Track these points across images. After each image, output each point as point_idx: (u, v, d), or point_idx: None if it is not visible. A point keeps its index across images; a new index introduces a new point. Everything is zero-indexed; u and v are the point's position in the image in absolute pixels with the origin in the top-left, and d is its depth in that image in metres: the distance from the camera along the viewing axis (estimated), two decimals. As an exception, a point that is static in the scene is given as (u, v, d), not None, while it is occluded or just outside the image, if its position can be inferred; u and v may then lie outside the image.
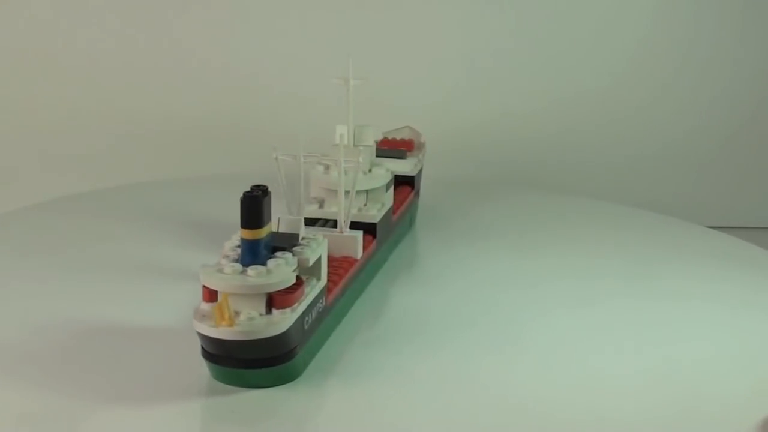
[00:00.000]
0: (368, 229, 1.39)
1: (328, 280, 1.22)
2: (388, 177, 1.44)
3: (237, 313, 1.09)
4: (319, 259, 1.17)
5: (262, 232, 1.09)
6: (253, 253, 1.10)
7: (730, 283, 1.45)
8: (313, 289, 1.15)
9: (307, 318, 1.14)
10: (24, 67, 2.10)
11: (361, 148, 1.42)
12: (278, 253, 1.12)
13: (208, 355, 1.12)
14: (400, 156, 1.58)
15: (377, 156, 1.54)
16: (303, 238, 1.17)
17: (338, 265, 1.28)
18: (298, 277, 1.13)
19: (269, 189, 1.11)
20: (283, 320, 1.09)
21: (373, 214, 1.40)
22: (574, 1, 2.15)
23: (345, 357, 1.20)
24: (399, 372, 1.18)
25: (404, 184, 1.57)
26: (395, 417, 1.10)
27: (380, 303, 1.36)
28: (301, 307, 1.12)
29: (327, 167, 1.41)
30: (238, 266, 1.10)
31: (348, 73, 1.43)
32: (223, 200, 1.55)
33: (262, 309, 1.10)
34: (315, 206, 1.38)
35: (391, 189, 1.46)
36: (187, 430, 1.08)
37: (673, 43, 2.16)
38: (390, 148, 1.61)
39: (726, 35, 2.15)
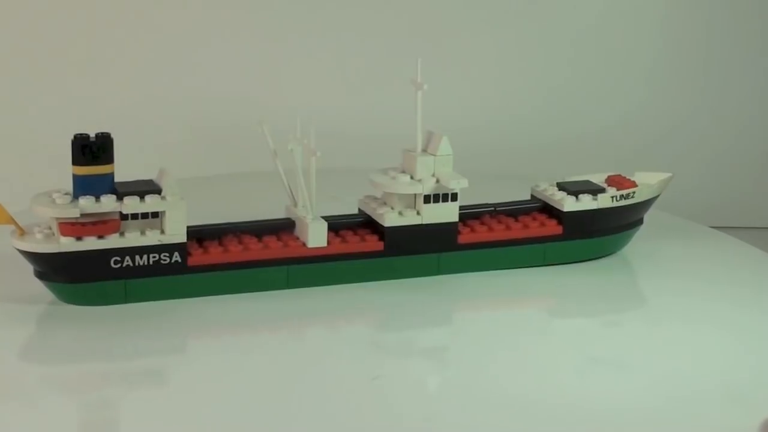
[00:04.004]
0: (380, 230, 1.39)
1: (225, 247, 1.34)
2: (427, 190, 1.40)
3: (49, 230, 1.29)
4: (159, 216, 1.31)
5: (83, 170, 1.27)
6: (79, 187, 1.28)
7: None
8: (145, 239, 1.30)
9: (117, 258, 1.29)
10: (24, 68, 2.09)
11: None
12: (105, 195, 1.28)
13: (35, 272, 1.31)
14: (590, 191, 1.48)
15: (575, 187, 1.49)
16: (163, 196, 1.30)
17: (268, 243, 1.35)
18: (116, 220, 1.29)
19: (111, 136, 1.27)
20: (61, 245, 1.27)
21: (387, 217, 1.39)
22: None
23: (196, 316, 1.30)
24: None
25: (555, 217, 1.48)
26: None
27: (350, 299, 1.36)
28: (101, 244, 1.28)
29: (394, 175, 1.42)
30: (60, 195, 1.28)
31: (417, 76, 1.41)
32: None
33: (56, 232, 1.29)
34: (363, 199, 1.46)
35: (449, 205, 1.41)
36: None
37: (673, 45, 2.17)
38: (608, 183, 1.52)
39: (725, 40, 2.17)
